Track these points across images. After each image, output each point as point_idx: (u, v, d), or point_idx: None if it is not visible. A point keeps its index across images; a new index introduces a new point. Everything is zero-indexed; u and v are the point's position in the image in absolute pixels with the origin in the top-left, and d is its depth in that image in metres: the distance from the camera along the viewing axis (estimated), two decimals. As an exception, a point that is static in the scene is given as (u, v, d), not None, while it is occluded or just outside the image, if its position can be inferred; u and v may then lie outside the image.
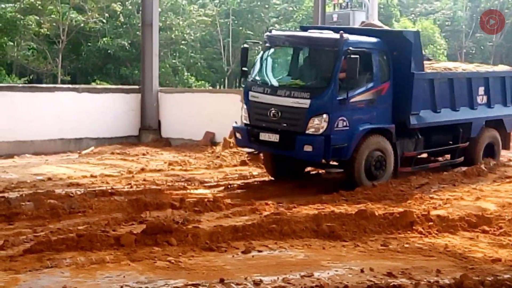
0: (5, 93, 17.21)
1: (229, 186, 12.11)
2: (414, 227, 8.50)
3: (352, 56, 11.17)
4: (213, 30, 40.72)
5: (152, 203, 9.56)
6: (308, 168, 13.63)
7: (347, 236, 8.03)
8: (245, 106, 12.43)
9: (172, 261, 6.75)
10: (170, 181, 12.42)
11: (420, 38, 13.08)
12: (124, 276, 6.24)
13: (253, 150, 13.28)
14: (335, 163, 12.26)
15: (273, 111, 11.71)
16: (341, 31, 11.78)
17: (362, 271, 6.60)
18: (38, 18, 30.87)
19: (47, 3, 31.50)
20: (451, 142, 13.89)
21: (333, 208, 9.71)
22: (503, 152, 15.27)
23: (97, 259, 6.72)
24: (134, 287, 5.94)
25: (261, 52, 12.94)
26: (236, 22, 40.55)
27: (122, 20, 33.74)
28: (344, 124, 11.57)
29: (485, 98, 14.25)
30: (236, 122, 13.05)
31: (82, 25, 32.35)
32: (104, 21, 33.29)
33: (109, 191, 10.85)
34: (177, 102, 19.84)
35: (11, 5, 29.72)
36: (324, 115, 11.36)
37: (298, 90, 11.64)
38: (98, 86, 23.88)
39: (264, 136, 11.97)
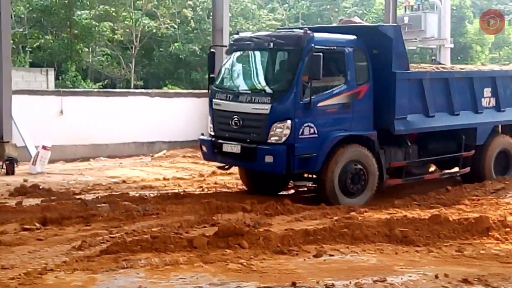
0: (81, 98, 17.73)
1: (298, 190, 12.04)
2: (490, 233, 8.25)
3: (315, 54, 9.97)
4: (282, 34, 40.77)
5: (223, 206, 9.65)
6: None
7: (421, 241, 7.87)
8: (209, 116, 11.44)
9: (244, 263, 6.79)
10: (240, 184, 12.49)
11: (401, 33, 11.60)
12: (197, 278, 6.31)
13: (221, 163, 11.82)
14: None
15: (235, 119, 10.63)
16: (306, 28, 10.77)
17: (436, 277, 6.47)
18: (112, 24, 31.63)
19: (120, 10, 32.22)
20: (453, 151, 12.32)
21: (406, 212, 9.58)
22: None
23: (171, 260, 6.81)
24: (207, 288, 6.01)
25: (227, 57, 11.82)
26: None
27: (193, 25, 34.14)
28: (312, 131, 10.31)
29: (493, 100, 12.75)
30: (203, 134, 12.04)
31: (154, 31, 32.92)
32: (176, 26, 33.77)
33: (181, 193, 11.01)
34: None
35: (86, 12, 30.56)
36: (287, 122, 10.14)
37: (259, 95, 10.54)
38: (170, 91, 24.22)
39: (227, 147, 10.86)
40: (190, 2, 34.55)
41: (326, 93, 10.50)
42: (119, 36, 32.17)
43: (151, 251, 7.12)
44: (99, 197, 10.67)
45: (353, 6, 43.90)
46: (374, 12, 41.75)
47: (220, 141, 10.97)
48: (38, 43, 29.10)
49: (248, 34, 12.37)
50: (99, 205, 9.79)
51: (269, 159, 10.19)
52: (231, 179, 13.25)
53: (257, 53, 11.28)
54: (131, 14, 32.23)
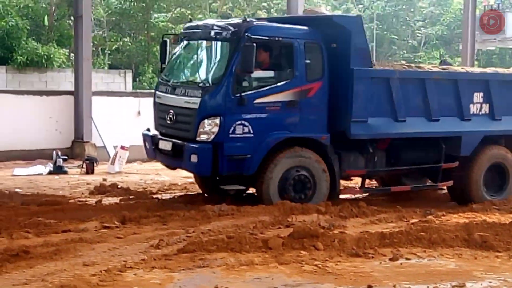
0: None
1: (372, 193, 11.87)
2: None
3: (247, 44, 9.06)
4: (357, 35, 40.43)
5: (298, 207, 9.59)
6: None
7: (501, 246, 7.65)
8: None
9: (319, 265, 6.77)
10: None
11: (362, 25, 10.27)
12: (272, 278, 6.33)
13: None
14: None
15: (170, 114, 9.82)
16: (246, 16, 9.99)
17: (517, 283, 6.31)
18: (188, 27, 31.97)
19: (196, 12, 32.62)
20: (432, 161, 10.89)
21: (485, 217, 9.34)
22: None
23: (246, 260, 6.86)
24: (282, 289, 6.03)
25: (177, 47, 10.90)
26: (380, 26, 40.02)
27: (268, 26, 34.23)
28: (246, 130, 9.35)
29: (485, 107, 11.09)
30: (148, 129, 10.86)
31: (229, 32, 33.17)
32: (250, 28, 33.93)
33: (255, 194, 11.06)
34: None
35: (163, 14, 31.13)
36: (216, 118, 9.26)
37: (191, 88, 9.66)
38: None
39: (161, 144, 10.06)
40: (265, 4, 34.68)
41: (267, 89, 9.54)
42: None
43: (227, 250, 7.19)
44: (176, 197, 10.85)
45: (430, 6, 43.12)
46: (451, 12, 40.92)
47: (158, 137, 10.24)
48: (116, 46, 29.82)
49: (193, 23, 11.23)
50: (176, 205, 9.96)
51: (194, 158, 9.31)
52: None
53: (200, 43, 10.43)
54: (206, 16, 32.59)
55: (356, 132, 9.94)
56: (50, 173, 13.57)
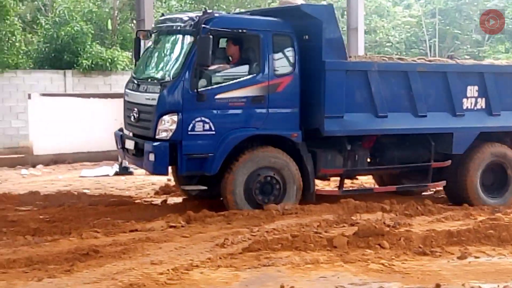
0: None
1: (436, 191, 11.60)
2: None
3: (203, 36, 8.54)
4: (418, 31, 39.74)
5: (362, 205, 9.54)
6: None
7: None
8: None
9: (386, 264, 6.70)
10: (376, 183, 12.31)
11: (334, 15, 9.51)
12: (338, 277, 6.30)
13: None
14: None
15: (134, 111, 9.42)
16: (205, 7, 9.44)
17: None
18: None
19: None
20: (421, 160, 10.27)
21: (556, 214, 9.07)
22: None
23: (311, 259, 6.84)
24: (349, 288, 5.99)
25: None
26: (442, 21, 39.20)
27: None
28: (207, 127, 8.84)
29: (481, 101, 10.33)
30: (121, 129, 10.30)
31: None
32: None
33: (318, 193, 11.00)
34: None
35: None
36: (174, 114, 8.78)
37: (152, 84, 9.24)
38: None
39: (127, 144, 9.68)
40: (324, 2, 34.52)
41: (229, 84, 9.02)
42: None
43: (292, 249, 7.19)
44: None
45: (493, -1, 42.06)
46: (518, 5, 39.80)
47: (124, 136, 9.88)
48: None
49: (168, 16, 10.67)
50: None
51: (151, 157, 8.86)
52: (368, 178, 13.09)
53: (166, 37, 9.98)
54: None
55: (330, 128, 9.36)
56: (116, 174, 13.84)
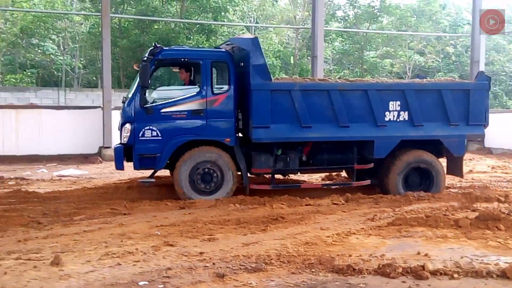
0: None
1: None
2: None
3: (143, 63, 8.29)
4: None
5: (481, 196, 8.89)
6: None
7: None
8: None
9: (502, 242, 6.18)
10: (494, 181, 11.42)
11: (259, 45, 8.65)
12: (462, 249, 5.92)
13: None
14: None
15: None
16: (155, 43, 8.65)
17: None
18: (391, 61, 31.29)
19: (398, 49, 31.74)
20: (345, 163, 9.29)
21: None
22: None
23: (441, 234, 6.50)
24: (472, 258, 5.58)
25: None
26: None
27: (454, 59, 32.25)
28: (154, 134, 8.47)
29: (404, 114, 9.07)
30: None
31: (422, 64, 31.82)
32: (439, 60, 32.21)
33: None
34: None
35: (373, 52, 30.72)
36: (127, 124, 8.54)
37: (124, 101, 8.92)
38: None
39: None
40: (452, 41, 32.66)
41: (173, 101, 8.62)
42: (396, 69, 31.73)
43: (425, 226, 6.87)
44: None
45: None
46: None
47: None
48: (338, 76, 30.11)
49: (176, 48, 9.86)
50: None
51: (114, 157, 8.72)
52: (485, 176, 12.22)
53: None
54: (406, 52, 31.57)
55: (257, 136, 8.64)
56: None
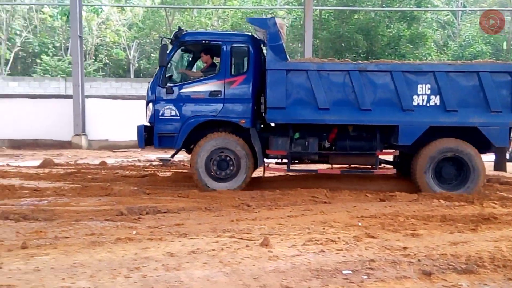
0: None
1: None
2: None
3: (162, 44, 8.55)
4: None
5: None
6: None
7: None
8: None
9: None
10: None
11: (275, 25, 8.30)
12: None
13: None
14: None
15: None
16: (179, 26, 8.36)
17: None
18: None
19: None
20: (367, 148, 8.54)
21: None
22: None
23: None
24: None
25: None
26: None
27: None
28: (173, 113, 8.54)
29: (435, 98, 8.14)
30: None
31: None
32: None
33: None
34: None
35: None
36: (150, 104, 8.63)
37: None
38: None
39: None
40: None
41: (192, 81, 8.65)
42: None
43: None
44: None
45: None
46: None
47: None
48: None
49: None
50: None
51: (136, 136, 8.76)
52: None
53: None
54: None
55: (272, 117, 8.42)
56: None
